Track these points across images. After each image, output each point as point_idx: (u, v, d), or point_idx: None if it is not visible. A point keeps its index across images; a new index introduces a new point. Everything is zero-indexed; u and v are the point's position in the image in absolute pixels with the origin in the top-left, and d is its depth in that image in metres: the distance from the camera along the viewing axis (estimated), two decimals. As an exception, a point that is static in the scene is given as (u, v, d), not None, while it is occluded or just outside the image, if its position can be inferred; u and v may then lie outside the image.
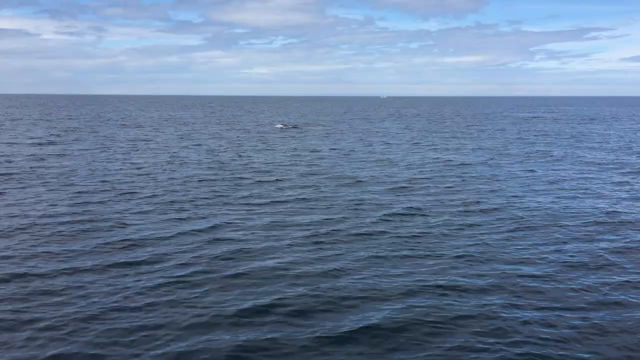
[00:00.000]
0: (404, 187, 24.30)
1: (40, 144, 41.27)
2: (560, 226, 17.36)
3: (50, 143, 42.39)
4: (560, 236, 16.25)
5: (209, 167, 29.71)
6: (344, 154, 37.09)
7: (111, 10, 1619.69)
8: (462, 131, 62.00)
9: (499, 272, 13.10)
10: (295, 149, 40.43)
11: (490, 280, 12.53)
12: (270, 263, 13.55)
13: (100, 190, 22.57)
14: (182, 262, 13.57)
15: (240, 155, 35.61)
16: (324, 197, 21.80)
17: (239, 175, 27.07)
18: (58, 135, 49.86)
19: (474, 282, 12.44)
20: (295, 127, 66.24)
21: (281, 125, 67.41)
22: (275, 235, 16.01)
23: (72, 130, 56.81)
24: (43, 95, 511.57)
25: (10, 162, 30.98)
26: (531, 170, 29.59)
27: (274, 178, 26.26)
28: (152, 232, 16.21)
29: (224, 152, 37.97)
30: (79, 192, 22.07)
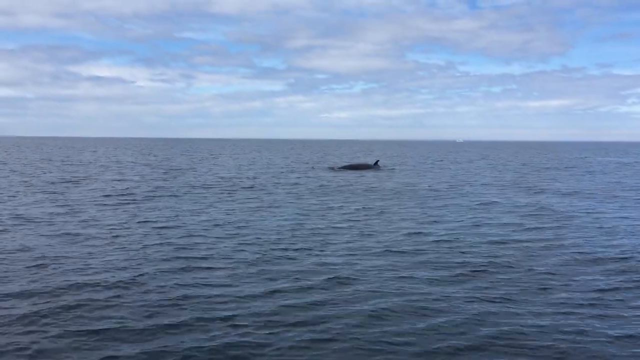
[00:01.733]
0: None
1: (139, 182, 40.62)
2: None
3: (144, 179, 41.67)
4: None
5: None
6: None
7: (200, 58, 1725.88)
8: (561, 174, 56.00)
9: None
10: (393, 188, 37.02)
11: None
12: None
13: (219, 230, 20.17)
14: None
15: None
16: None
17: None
18: (163, 175, 49.62)
19: None
20: (344, 168, 56.39)
21: (336, 166, 57.49)
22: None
23: (173, 170, 56.83)
24: (135, 138, 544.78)
25: (121, 200, 29.75)
26: None
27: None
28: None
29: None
30: (188, 234, 19.80)
